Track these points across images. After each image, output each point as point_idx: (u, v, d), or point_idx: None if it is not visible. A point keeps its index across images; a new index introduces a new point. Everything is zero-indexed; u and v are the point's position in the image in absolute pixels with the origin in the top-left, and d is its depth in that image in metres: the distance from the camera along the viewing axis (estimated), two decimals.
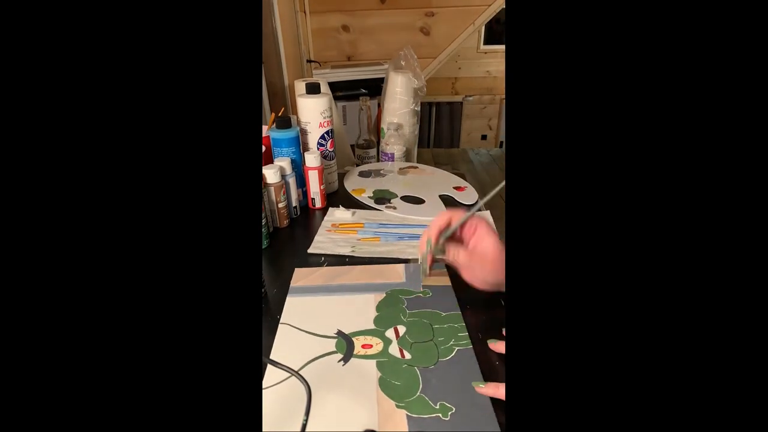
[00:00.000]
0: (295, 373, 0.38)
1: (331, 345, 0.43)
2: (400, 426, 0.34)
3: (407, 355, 0.41)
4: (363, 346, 0.42)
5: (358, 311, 0.47)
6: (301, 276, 0.54)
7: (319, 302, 0.49)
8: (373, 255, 0.58)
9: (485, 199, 0.45)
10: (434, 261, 0.45)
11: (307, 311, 0.48)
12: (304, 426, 0.33)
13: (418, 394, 0.37)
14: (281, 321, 0.46)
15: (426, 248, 0.44)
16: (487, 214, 0.69)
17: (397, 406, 0.36)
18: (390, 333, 0.44)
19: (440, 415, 0.35)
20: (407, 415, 0.35)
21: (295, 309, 0.48)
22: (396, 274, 0.54)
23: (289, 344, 0.43)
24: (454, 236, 0.45)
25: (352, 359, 0.41)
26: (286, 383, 0.38)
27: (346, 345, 0.43)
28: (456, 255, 0.43)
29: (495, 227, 0.47)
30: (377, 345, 0.42)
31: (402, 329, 0.44)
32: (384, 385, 0.38)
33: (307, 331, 0.45)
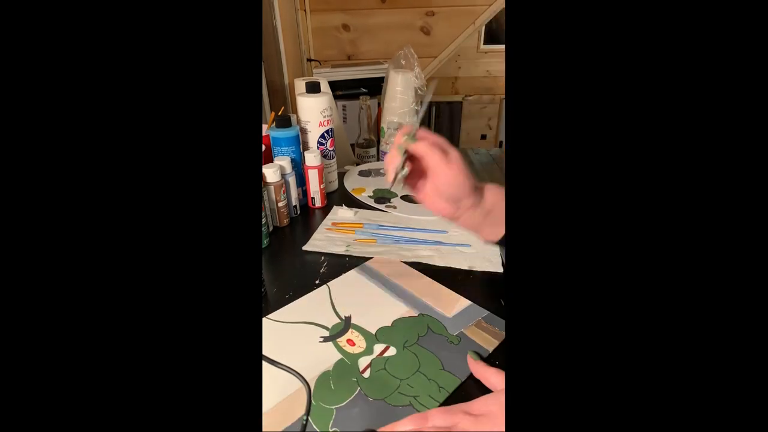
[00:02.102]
0: (295, 373, 0.38)
1: (332, 321, 0.45)
2: (282, 420, 0.34)
3: (366, 375, 0.39)
4: (348, 341, 0.43)
5: (379, 312, 0.47)
6: (378, 262, 0.57)
7: (366, 288, 0.51)
8: (366, 255, 0.58)
9: (426, 104, 0.45)
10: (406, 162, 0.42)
11: (350, 289, 0.51)
12: (304, 426, 0.33)
13: (329, 410, 0.35)
14: (328, 283, 0.52)
15: (399, 155, 0.41)
16: None
17: (308, 405, 0.35)
18: (378, 347, 0.42)
19: None
20: (300, 417, 0.34)
21: (345, 282, 0.52)
22: (449, 306, 0.48)
23: (308, 304, 0.48)
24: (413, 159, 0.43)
25: (329, 343, 0.42)
26: (286, 382, 0.38)
27: (340, 331, 0.44)
28: (433, 139, 0.41)
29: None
30: (358, 348, 0.42)
31: (391, 352, 0.42)
32: (320, 381, 0.38)
33: (331, 303, 0.48)
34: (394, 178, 0.41)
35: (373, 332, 0.44)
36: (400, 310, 0.48)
